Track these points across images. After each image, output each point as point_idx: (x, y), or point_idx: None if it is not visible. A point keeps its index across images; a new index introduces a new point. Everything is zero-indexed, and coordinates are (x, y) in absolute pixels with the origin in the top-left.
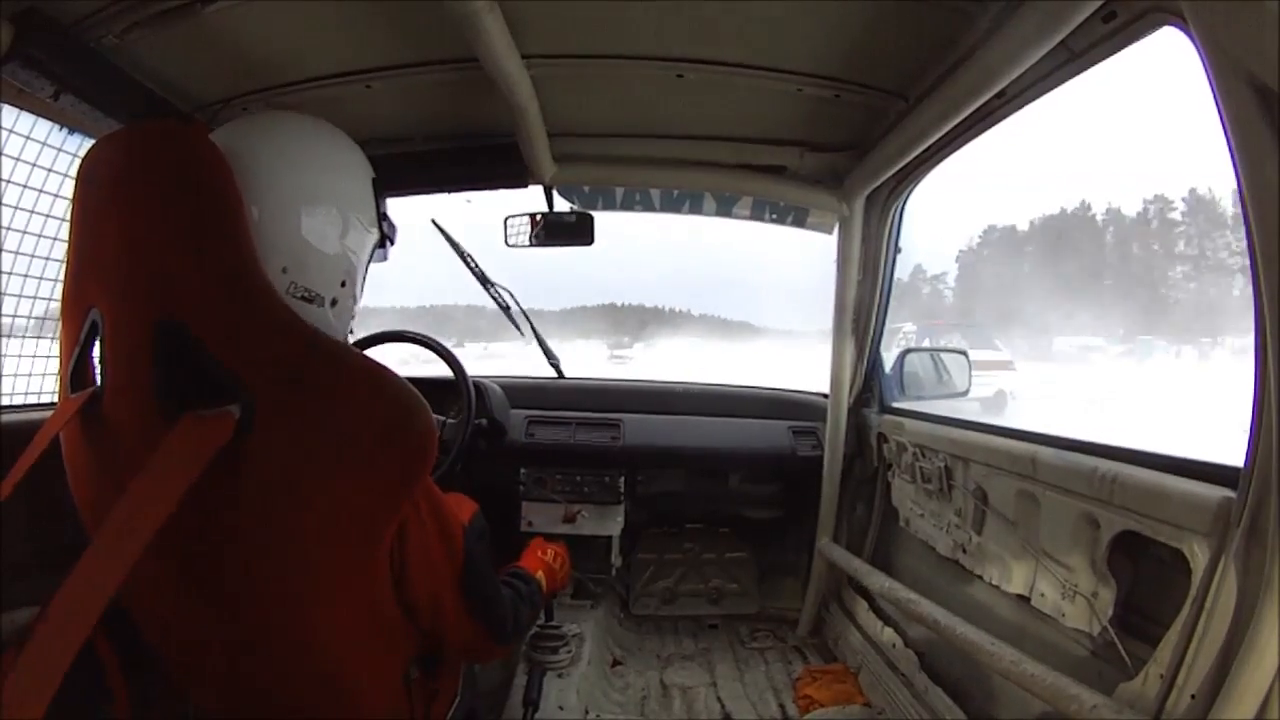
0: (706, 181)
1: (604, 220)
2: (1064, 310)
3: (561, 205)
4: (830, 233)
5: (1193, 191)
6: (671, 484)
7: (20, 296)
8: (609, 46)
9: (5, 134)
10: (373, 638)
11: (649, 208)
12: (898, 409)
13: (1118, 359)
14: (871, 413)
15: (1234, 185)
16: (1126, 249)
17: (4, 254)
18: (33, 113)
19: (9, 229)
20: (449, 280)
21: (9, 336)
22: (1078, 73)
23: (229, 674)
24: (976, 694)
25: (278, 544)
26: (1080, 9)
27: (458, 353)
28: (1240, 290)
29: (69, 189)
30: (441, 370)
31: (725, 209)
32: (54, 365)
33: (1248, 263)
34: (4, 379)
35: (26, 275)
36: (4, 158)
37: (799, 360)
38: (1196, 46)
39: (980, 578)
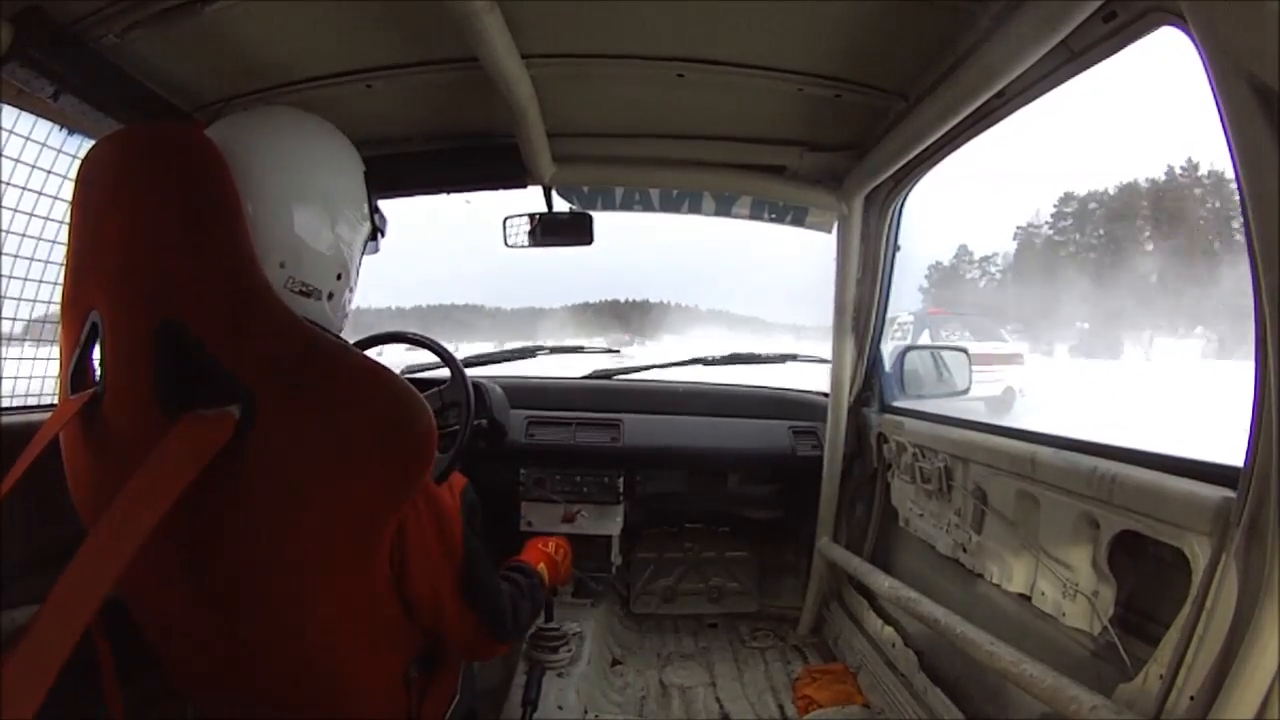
0: (706, 181)
1: (607, 214)
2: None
3: (561, 205)
4: (829, 232)
5: None
6: (671, 484)
7: (20, 299)
8: (609, 46)
9: (5, 135)
10: (372, 637)
11: (648, 208)
12: (898, 408)
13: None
14: (871, 412)
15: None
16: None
17: (4, 256)
18: (32, 113)
19: (9, 231)
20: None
21: (9, 339)
22: (1078, 72)
23: (229, 674)
24: (976, 694)
25: (278, 544)
26: (1080, 9)
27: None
28: None
29: (69, 190)
30: (441, 370)
31: (724, 208)
32: (53, 367)
33: (1248, 263)
34: (4, 381)
35: (26, 278)
36: (3, 158)
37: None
38: (1196, 46)
39: (980, 577)
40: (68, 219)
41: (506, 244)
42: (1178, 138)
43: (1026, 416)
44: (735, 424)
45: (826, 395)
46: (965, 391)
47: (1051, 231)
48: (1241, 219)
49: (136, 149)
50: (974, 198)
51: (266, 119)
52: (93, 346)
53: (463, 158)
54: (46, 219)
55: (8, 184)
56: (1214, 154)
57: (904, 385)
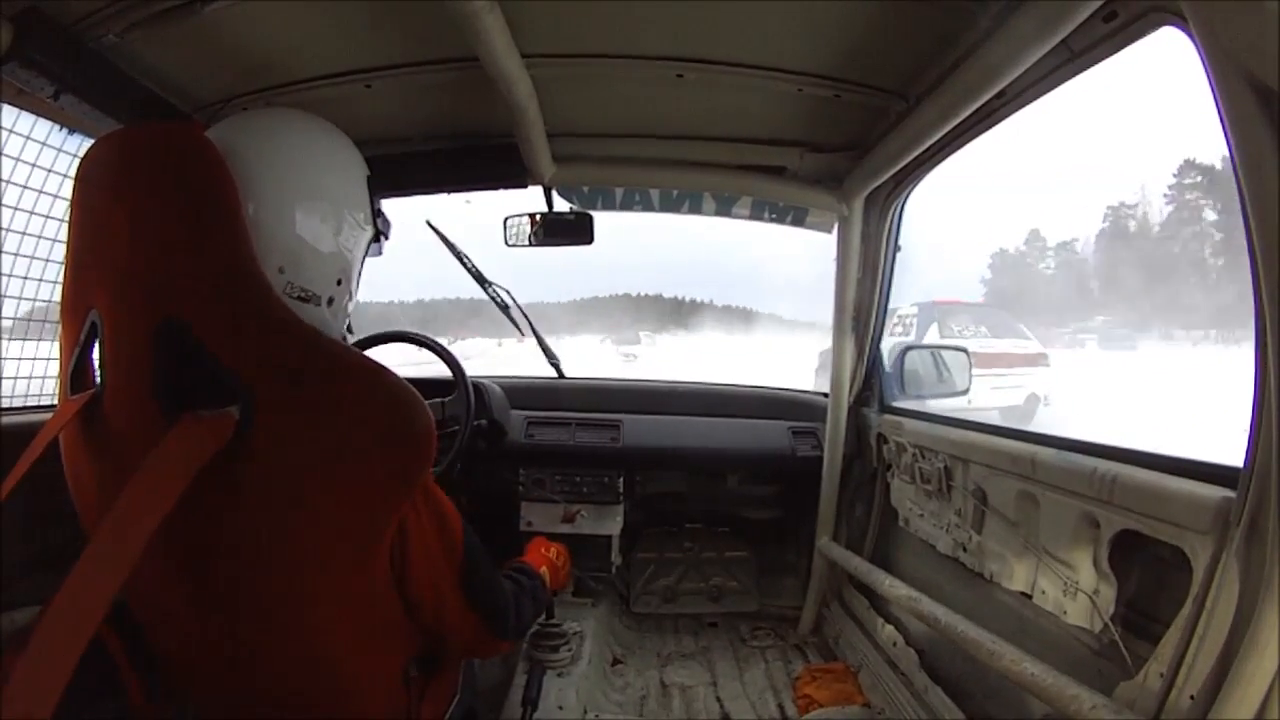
0: (706, 181)
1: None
2: None
3: (561, 205)
4: (829, 232)
5: None
6: (671, 484)
7: (20, 298)
8: (609, 46)
9: (5, 134)
10: (373, 637)
11: (648, 208)
12: (898, 409)
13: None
14: (871, 412)
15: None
16: None
17: (4, 255)
18: (33, 113)
19: (9, 230)
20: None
21: (9, 338)
22: (1078, 72)
23: (229, 673)
24: (976, 693)
25: (278, 544)
26: (1080, 9)
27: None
28: None
29: (69, 189)
30: (441, 370)
31: (724, 209)
32: (53, 367)
33: (1248, 263)
34: (3, 381)
35: (26, 277)
36: (4, 158)
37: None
38: (1196, 46)
39: (980, 576)
40: (67, 218)
41: (507, 244)
42: None
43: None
44: (735, 424)
45: (826, 395)
46: (965, 392)
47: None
48: (1241, 219)
49: (136, 148)
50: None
51: (270, 120)
52: (92, 346)
53: (463, 158)
54: (46, 218)
55: (8, 183)
56: None
57: (904, 385)
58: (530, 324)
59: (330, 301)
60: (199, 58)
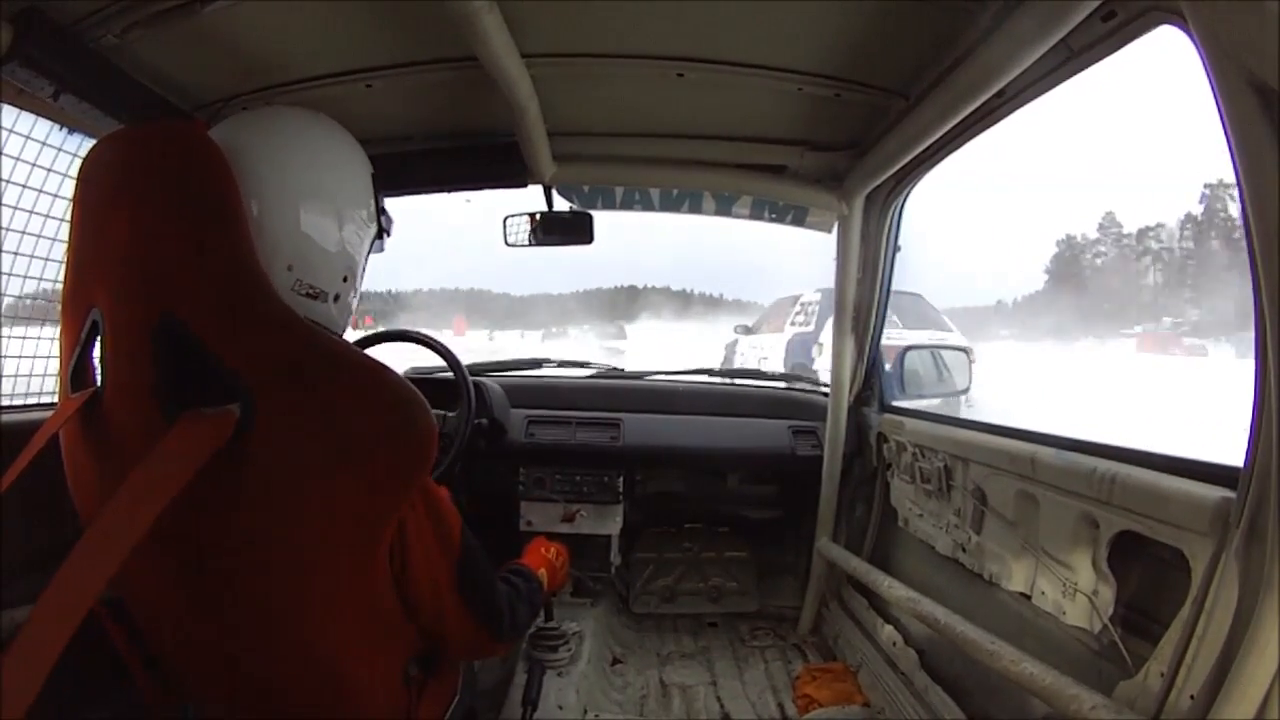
0: (706, 181)
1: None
2: None
3: (561, 204)
4: (829, 231)
5: None
6: (671, 484)
7: (20, 297)
8: (609, 46)
9: (5, 134)
10: (372, 636)
11: (648, 207)
12: (898, 408)
13: None
14: (871, 412)
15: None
16: None
17: (4, 255)
18: (33, 112)
19: (9, 229)
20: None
21: (9, 336)
22: (1077, 71)
23: (228, 673)
24: (976, 693)
25: (277, 543)
26: (1080, 8)
27: None
28: None
29: (69, 189)
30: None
31: (724, 208)
32: (53, 365)
33: (1248, 263)
34: (3, 379)
35: (26, 275)
36: (4, 158)
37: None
38: (1196, 46)
39: (980, 576)
40: (68, 217)
41: (507, 243)
42: None
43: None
44: (735, 423)
45: (826, 395)
46: (965, 391)
47: None
48: (1241, 219)
49: (138, 148)
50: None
51: (273, 119)
52: (93, 344)
53: (463, 157)
54: (47, 217)
55: (8, 182)
56: None
57: (904, 385)
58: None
59: (336, 298)
60: (199, 57)
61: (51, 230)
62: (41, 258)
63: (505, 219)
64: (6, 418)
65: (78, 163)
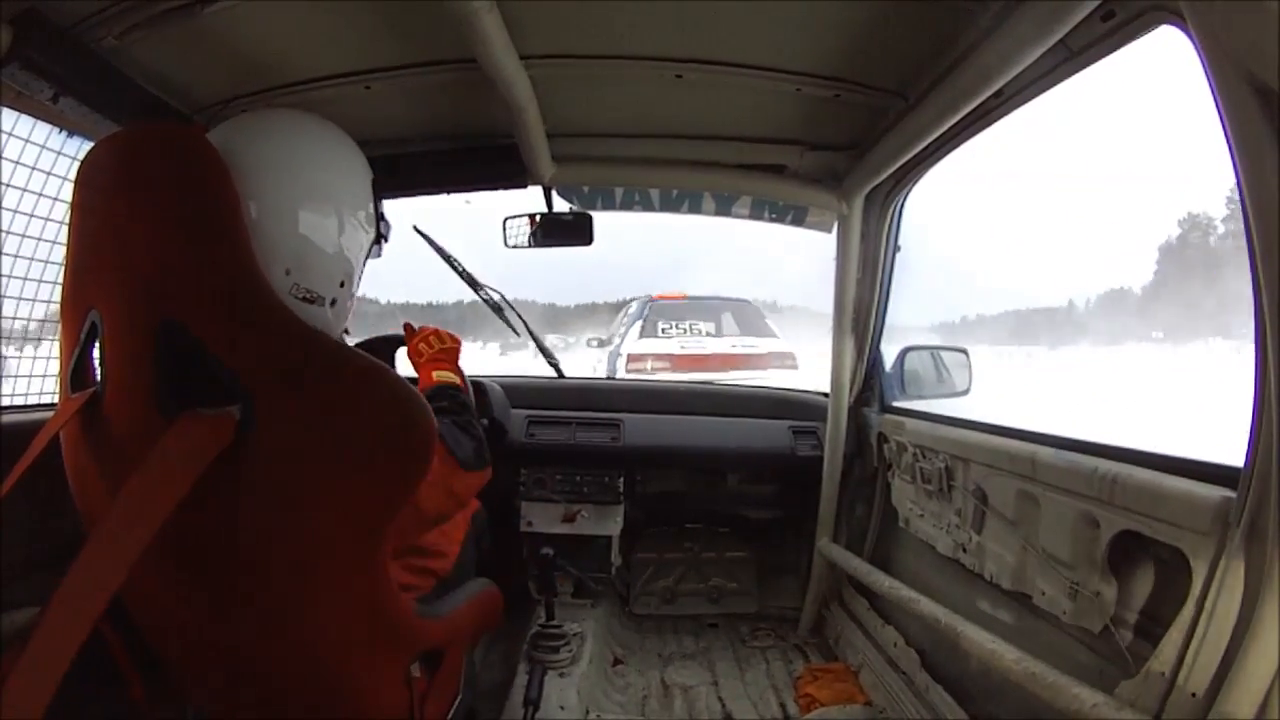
0: (706, 181)
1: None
2: None
3: (560, 205)
4: (829, 231)
5: None
6: (671, 484)
7: (20, 299)
8: (608, 46)
9: (5, 137)
10: (373, 637)
11: (648, 207)
12: (898, 408)
13: None
14: (872, 412)
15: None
16: None
17: (4, 257)
18: (32, 115)
19: (8, 232)
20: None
21: (9, 339)
22: (1076, 71)
23: (230, 673)
24: (977, 693)
25: (278, 544)
26: (1079, 8)
27: None
28: None
29: (68, 191)
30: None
31: (724, 208)
32: (53, 367)
33: (1248, 263)
34: (4, 380)
35: (26, 278)
36: (3, 160)
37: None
38: (1196, 46)
39: (981, 576)
40: (67, 219)
41: (506, 244)
42: None
43: None
44: (735, 424)
45: (826, 395)
46: (966, 392)
47: None
48: (1242, 219)
49: (136, 150)
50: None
51: (272, 121)
52: (93, 346)
53: (462, 158)
54: (46, 219)
55: (7, 185)
56: None
57: (904, 386)
58: (526, 325)
59: (333, 303)
60: (198, 59)
61: (51, 233)
62: (41, 260)
63: (505, 220)
64: (7, 419)
65: (77, 165)
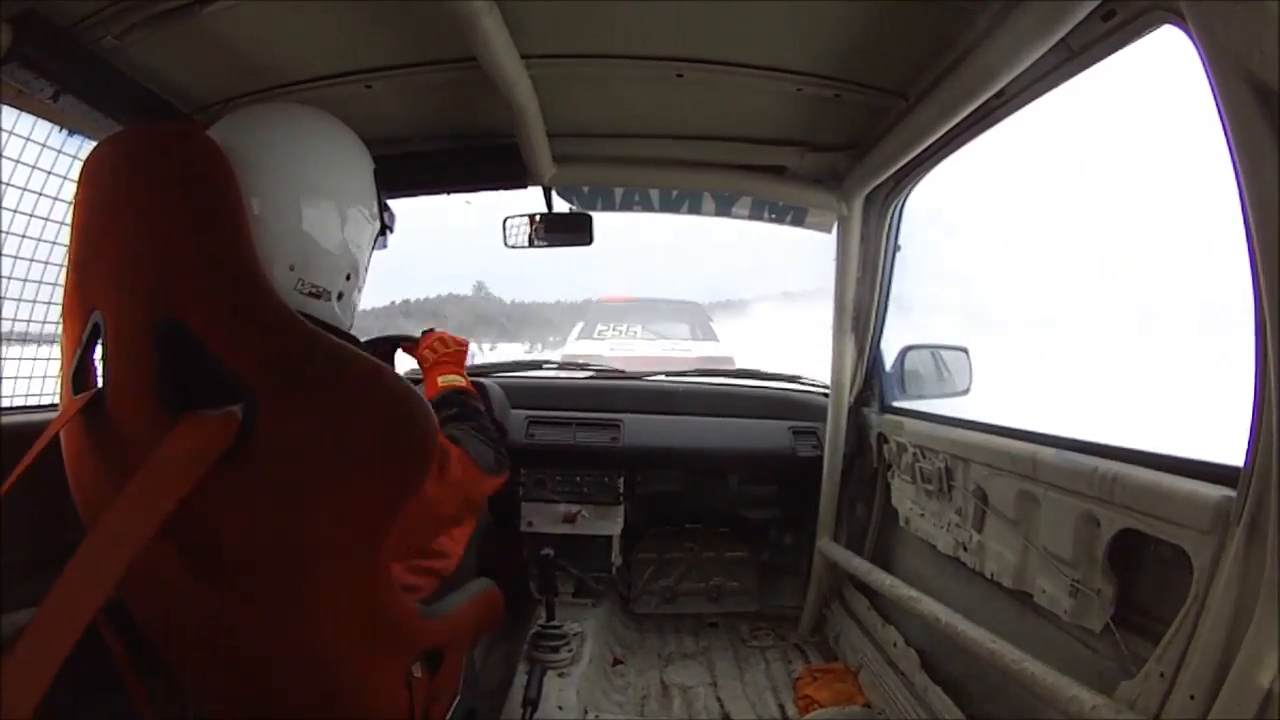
0: (706, 182)
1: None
2: None
3: (560, 205)
4: (829, 231)
5: None
6: (671, 484)
7: (20, 300)
8: (608, 46)
9: (5, 136)
10: (374, 637)
11: (648, 208)
12: (898, 409)
13: None
14: (872, 412)
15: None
16: None
17: (4, 257)
18: (32, 114)
19: (9, 232)
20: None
21: (9, 340)
22: (1077, 71)
23: (231, 673)
24: (977, 693)
25: (280, 545)
26: (1080, 8)
27: None
28: None
29: (68, 191)
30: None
31: (724, 208)
32: (54, 368)
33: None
34: (4, 381)
35: (26, 278)
36: (3, 160)
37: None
38: (1196, 45)
39: (981, 576)
40: (69, 219)
41: (506, 244)
42: None
43: None
44: (735, 424)
45: (826, 395)
46: (966, 391)
47: None
48: (1241, 219)
49: (138, 149)
50: None
51: (272, 117)
52: (95, 346)
53: (462, 158)
54: (47, 219)
55: (8, 184)
56: None
57: (904, 385)
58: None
59: (340, 296)
60: (199, 59)
61: (52, 233)
62: (42, 260)
63: (505, 220)
64: (7, 420)
65: (78, 165)
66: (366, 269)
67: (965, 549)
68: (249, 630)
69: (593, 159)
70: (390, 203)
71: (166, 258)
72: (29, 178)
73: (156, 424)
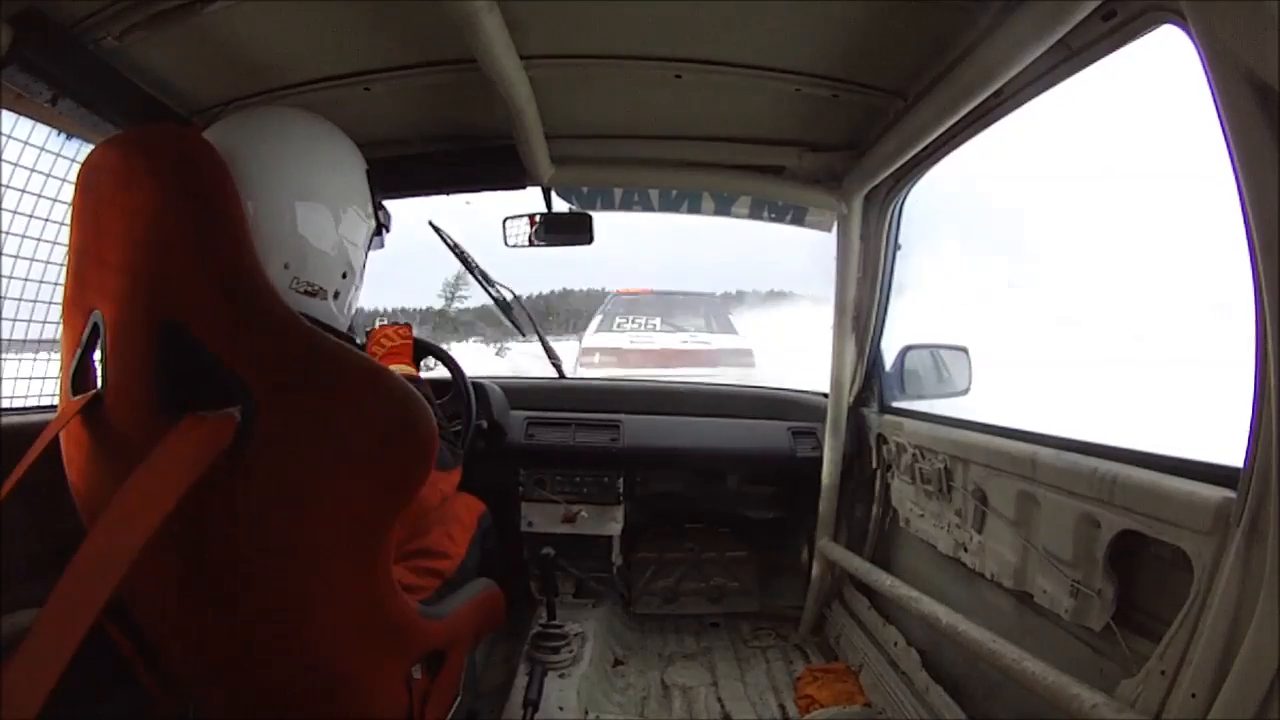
0: (705, 182)
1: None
2: None
3: (560, 205)
4: (829, 231)
5: None
6: (671, 485)
7: (20, 300)
8: (607, 47)
9: (4, 139)
10: (375, 639)
11: (647, 208)
12: (898, 409)
13: None
14: (871, 413)
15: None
16: None
17: (4, 258)
18: (31, 118)
19: (8, 233)
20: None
21: (9, 341)
22: (1077, 70)
23: (231, 674)
24: (977, 693)
25: (280, 545)
26: (1079, 7)
27: None
28: None
29: (68, 193)
30: (441, 372)
31: (724, 208)
32: (53, 369)
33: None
34: (4, 382)
35: (26, 279)
36: (3, 162)
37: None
38: (1196, 45)
39: (981, 576)
40: (68, 221)
41: (506, 244)
42: None
43: None
44: (735, 424)
45: (826, 396)
46: (966, 392)
47: None
48: (1241, 218)
49: (136, 151)
50: None
51: (267, 119)
52: (94, 347)
53: (461, 159)
54: (46, 221)
55: (7, 187)
56: None
57: (904, 385)
58: (534, 324)
59: (337, 295)
60: (198, 60)
61: (51, 234)
62: (41, 261)
63: (504, 220)
64: (7, 420)
65: (76, 168)
66: (363, 268)
67: (965, 549)
68: (249, 631)
69: (591, 160)
70: (397, 204)
71: (166, 259)
72: (28, 180)
73: (156, 425)
